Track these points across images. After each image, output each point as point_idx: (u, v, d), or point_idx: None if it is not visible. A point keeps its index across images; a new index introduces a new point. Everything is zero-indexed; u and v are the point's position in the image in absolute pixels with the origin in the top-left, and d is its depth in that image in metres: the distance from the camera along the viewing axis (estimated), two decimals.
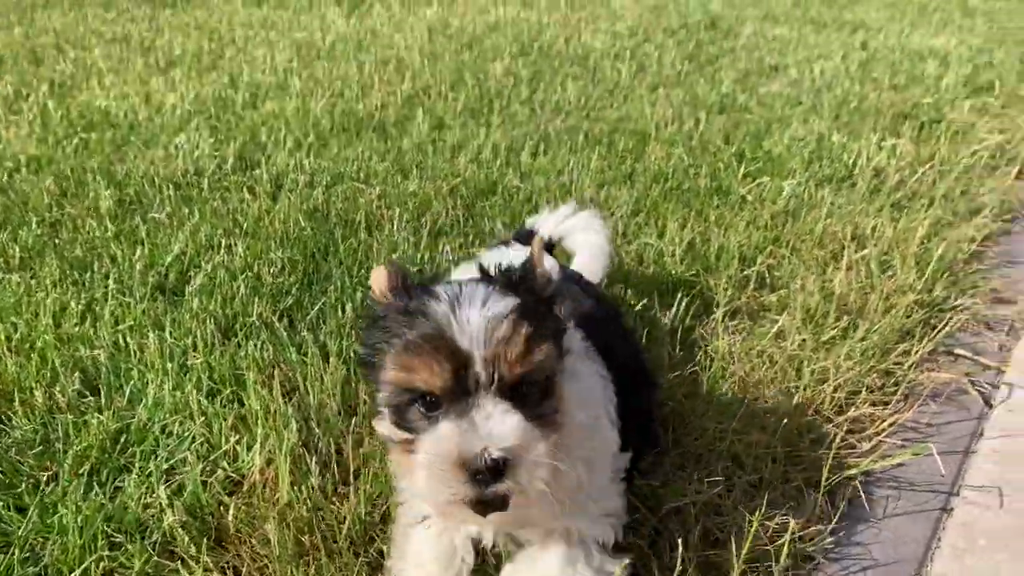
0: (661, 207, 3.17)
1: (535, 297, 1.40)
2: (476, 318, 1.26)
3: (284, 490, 1.69)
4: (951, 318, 2.63)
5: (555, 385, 1.36)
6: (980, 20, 7.75)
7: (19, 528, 1.58)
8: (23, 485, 1.70)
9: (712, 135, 4.08)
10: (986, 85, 5.33)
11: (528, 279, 1.44)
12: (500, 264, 1.49)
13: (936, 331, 2.53)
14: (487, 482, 1.22)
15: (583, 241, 2.48)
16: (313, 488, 1.71)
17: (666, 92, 4.81)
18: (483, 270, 1.48)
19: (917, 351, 2.41)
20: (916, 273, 2.78)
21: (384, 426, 1.44)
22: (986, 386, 2.41)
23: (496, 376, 1.25)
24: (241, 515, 1.65)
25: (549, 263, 2.19)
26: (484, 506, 1.28)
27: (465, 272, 1.73)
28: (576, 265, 2.40)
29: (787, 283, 2.71)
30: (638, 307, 2.49)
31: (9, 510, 1.64)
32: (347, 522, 1.64)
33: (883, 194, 3.46)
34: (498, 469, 1.21)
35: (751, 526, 1.68)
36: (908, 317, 2.56)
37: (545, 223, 2.51)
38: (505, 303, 1.30)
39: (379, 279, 1.43)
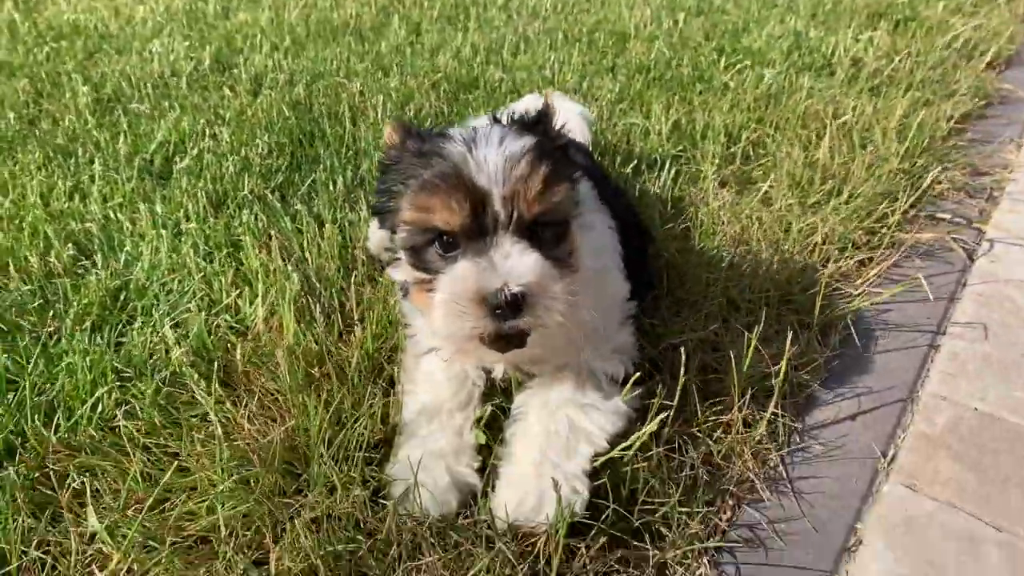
0: (645, 95, 3.17)
1: (551, 140, 1.42)
2: (494, 156, 1.27)
3: (290, 332, 1.70)
4: (931, 185, 2.68)
5: (570, 230, 1.39)
6: None
7: (26, 375, 1.58)
8: (26, 339, 1.70)
9: (692, 33, 4.07)
10: None
11: (544, 123, 1.45)
12: (513, 112, 1.50)
13: (918, 191, 2.57)
14: (506, 317, 1.25)
15: (566, 109, 2.48)
16: (318, 332, 1.73)
17: None
18: (495, 118, 1.48)
19: (901, 210, 2.45)
20: (897, 145, 2.82)
21: (401, 271, 1.47)
22: (968, 243, 2.46)
23: (515, 215, 1.27)
24: (248, 354, 1.66)
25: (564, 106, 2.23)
26: (503, 342, 1.31)
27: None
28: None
29: (773, 155, 2.73)
30: (627, 172, 2.51)
31: (16, 362, 1.64)
32: (355, 357, 1.65)
33: (861, 80, 3.48)
34: (517, 304, 1.24)
35: (748, 352, 1.73)
36: (891, 182, 2.60)
37: (521, 104, 2.52)
38: (523, 142, 1.30)
39: (391, 132, 1.45)
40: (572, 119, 2.46)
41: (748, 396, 1.69)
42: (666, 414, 1.51)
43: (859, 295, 2.11)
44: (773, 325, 1.97)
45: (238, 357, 1.65)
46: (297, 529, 1.29)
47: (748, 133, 2.84)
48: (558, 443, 1.44)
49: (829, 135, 2.80)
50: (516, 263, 1.25)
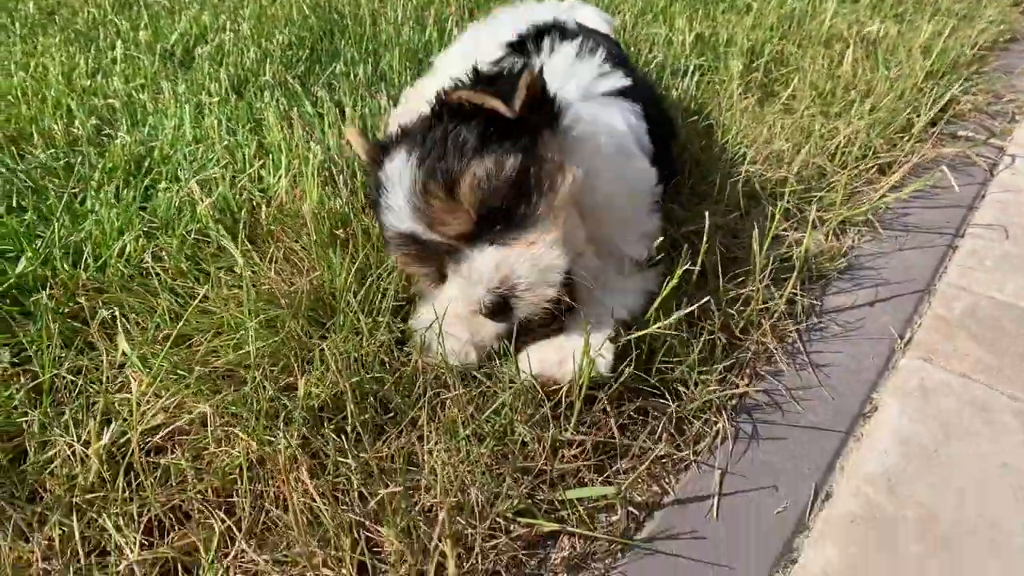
0: (668, 10, 3.13)
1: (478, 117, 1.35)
2: (402, 200, 1.31)
3: (313, 197, 1.71)
4: (953, 103, 2.66)
5: (530, 177, 1.34)
6: None
7: (55, 219, 1.59)
8: (50, 199, 1.70)
9: None
10: None
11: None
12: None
13: (940, 106, 2.55)
14: (506, 318, 1.32)
15: (587, 13, 2.46)
16: (342, 198, 1.73)
17: None
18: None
19: (924, 122, 2.44)
20: (922, 62, 2.80)
21: None
22: (989, 157, 2.45)
23: (448, 236, 1.32)
24: (272, 214, 1.67)
25: (583, 13, 2.20)
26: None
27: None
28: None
29: (796, 68, 2.71)
30: (650, 76, 2.49)
31: (42, 216, 1.64)
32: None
33: (886, 7, 3.44)
34: (504, 305, 1.30)
35: (771, 229, 1.73)
36: (913, 97, 2.58)
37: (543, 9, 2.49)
38: (418, 169, 1.30)
39: (354, 142, 1.52)
40: (593, 22, 2.43)
41: (768, 273, 1.70)
42: (688, 268, 1.51)
43: (880, 196, 2.11)
44: (794, 217, 1.97)
45: (263, 218, 1.65)
46: (327, 361, 1.31)
47: (771, 47, 2.81)
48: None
49: (853, 51, 2.78)
50: (476, 267, 1.30)
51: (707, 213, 1.56)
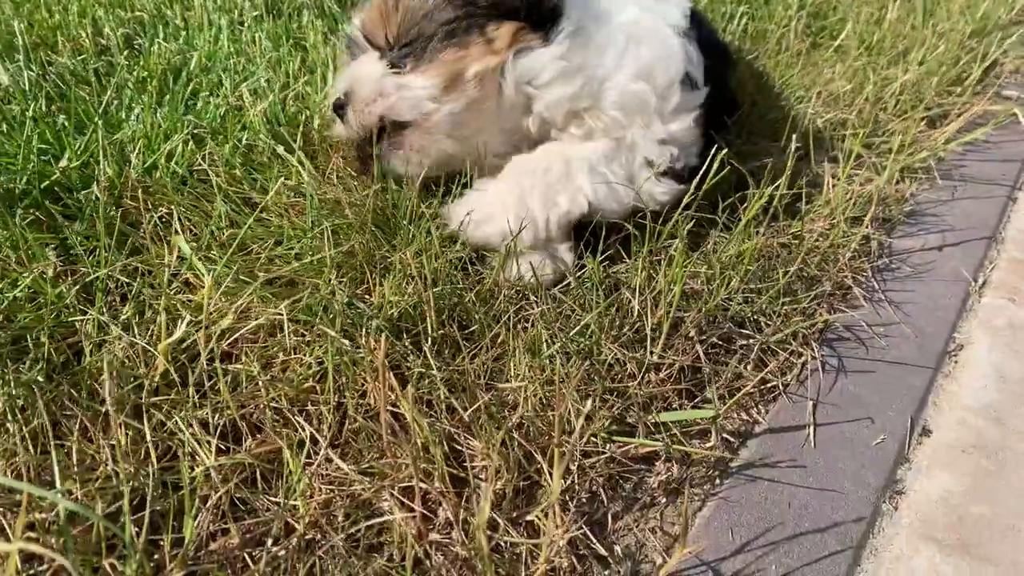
0: None
1: None
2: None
3: None
4: (998, 63, 2.61)
5: (453, 34, 1.39)
6: None
7: (95, 119, 1.47)
8: (81, 106, 1.58)
9: None
10: None
11: None
12: None
13: (989, 62, 2.49)
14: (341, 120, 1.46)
15: None
16: None
17: None
18: None
19: (974, 78, 2.38)
20: (964, 21, 2.74)
21: None
22: None
23: (369, 42, 1.46)
24: (325, 130, 1.57)
25: None
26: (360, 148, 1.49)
27: None
28: None
29: (843, 16, 2.64)
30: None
31: (75, 127, 1.51)
32: None
33: None
34: (337, 107, 1.45)
35: (844, 169, 1.67)
36: (960, 51, 2.52)
37: None
38: None
39: None
40: None
41: (839, 211, 1.64)
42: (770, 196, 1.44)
43: (943, 142, 2.05)
44: (859, 159, 1.91)
45: (315, 130, 1.55)
46: (405, 268, 1.22)
47: None
48: (543, 178, 1.38)
49: (897, 2, 2.71)
50: (352, 72, 1.46)
51: (793, 142, 1.48)
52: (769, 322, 1.38)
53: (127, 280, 1.18)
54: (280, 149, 1.45)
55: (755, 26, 2.50)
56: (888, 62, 2.41)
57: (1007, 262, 1.66)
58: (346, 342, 1.07)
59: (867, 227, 1.62)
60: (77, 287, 1.14)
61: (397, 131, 1.41)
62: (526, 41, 1.40)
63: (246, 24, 1.93)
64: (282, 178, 1.38)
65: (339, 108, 1.43)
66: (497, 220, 1.33)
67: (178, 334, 1.00)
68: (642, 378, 1.20)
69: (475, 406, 1.05)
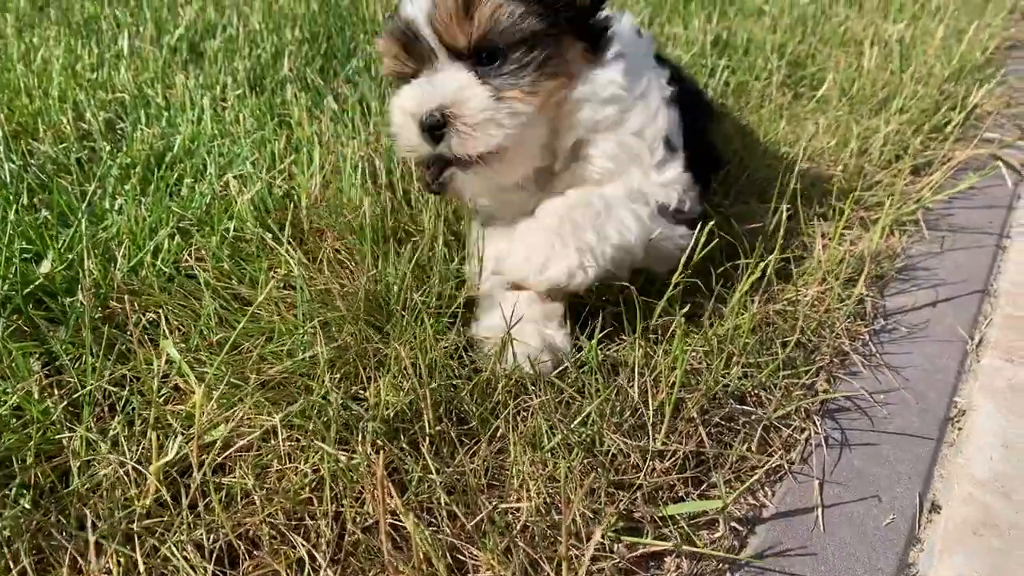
0: (681, 10, 3.08)
1: None
2: None
3: (353, 191, 1.59)
4: (977, 106, 2.64)
5: (539, 52, 1.33)
6: None
7: (79, 214, 1.44)
8: (64, 198, 1.55)
9: None
10: None
11: None
12: None
13: (967, 109, 2.52)
14: (436, 140, 1.30)
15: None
16: (385, 193, 1.62)
17: None
18: None
19: (955, 122, 2.40)
20: (944, 61, 2.78)
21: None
22: (1017, 161, 2.42)
23: (443, 42, 1.30)
24: (313, 207, 1.55)
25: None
26: (438, 174, 1.36)
27: None
28: None
29: (822, 67, 2.66)
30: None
31: (58, 219, 1.49)
32: (430, 215, 1.55)
33: (894, 9, 3.43)
34: (440, 127, 1.29)
35: (836, 231, 1.67)
36: (939, 98, 2.55)
37: None
38: None
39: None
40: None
41: (832, 275, 1.63)
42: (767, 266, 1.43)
43: (928, 194, 2.05)
44: (849, 217, 1.91)
45: (303, 214, 1.53)
46: (400, 365, 1.19)
47: (794, 46, 2.76)
48: (588, 211, 1.37)
49: (871, 53, 2.74)
50: (440, 83, 1.30)
51: (783, 209, 1.48)
52: (770, 396, 1.36)
53: (115, 390, 1.15)
54: (268, 238, 1.43)
55: (736, 79, 2.52)
56: (870, 111, 2.43)
57: (1002, 318, 1.65)
58: (343, 457, 1.04)
59: (861, 290, 1.62)
60: (64, 403, 1.10)
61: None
62: (588, 62, 1.41)
63: (229, 102, 1.92)
64: (272, 274, 1.36)
65: (436, 128, 1.29)
66: (559, 258, 1.31)
67: (170, 455, 0.97)
68: (647, 468, 1.17)
69: (478, 517, 1.02)
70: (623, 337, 1.40)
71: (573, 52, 1.39)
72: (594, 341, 1.30)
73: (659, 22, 2.94)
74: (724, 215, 1.78)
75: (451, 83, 1.29)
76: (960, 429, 1.38)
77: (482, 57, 1.31)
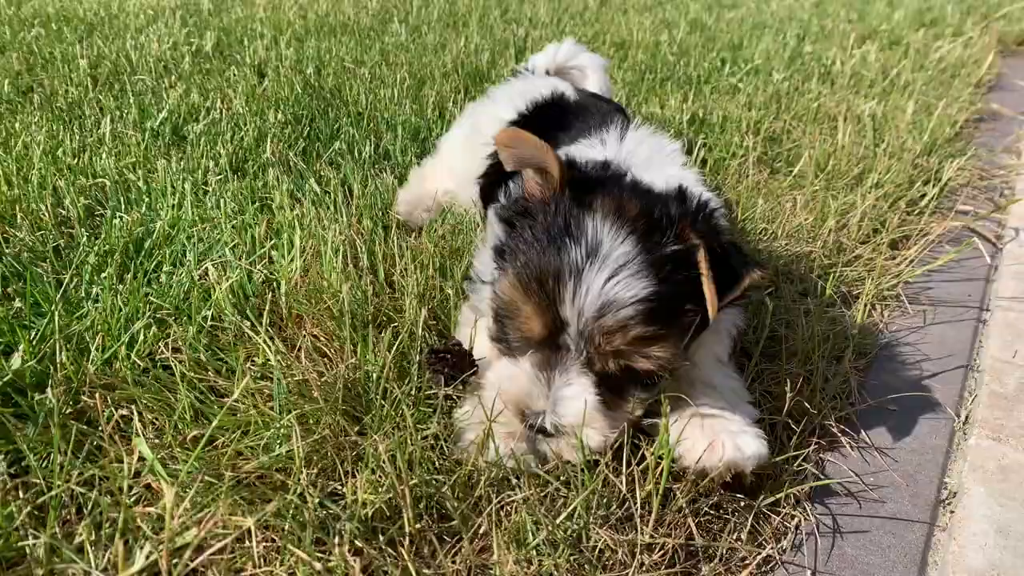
0: (658, 91, 3.14)
1: (681, 281, 1.19)
2: (594, 292, 1.15)
3: (333, 275, 1.58)
4: (951, 178, 2.69)
5: (658, 383, 1.26)
6: None
7: (51, 306, 1.42)
8: (38, 287, 1.53)
9: (690, 44, 4.09)
10: (931, 21, 5.53)
11: (684, 256, 1.20)
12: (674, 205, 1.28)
13: (941, 182, 2.57)
14: (535, 434, 1.23)
15: (587, 61, 2.45)
16: (366, 277, 1.61)
17: (636, 16, 4.81)
18: (682, 194, 1.32)
19: (931, 196, 2.45)
20: (915, 136, 2.84)
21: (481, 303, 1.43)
22: (991, 233, 2.46)
23: (586, 355, 1.20)
24: (293, 299, 1.53)
25: (563, 86, 2.16)
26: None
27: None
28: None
29: (796, 143, 2.72)
30: None
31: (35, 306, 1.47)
32: (411, 299, 1.54)
33: (865, 86, 3.52)
34: (547, 432, 1.21)
35: (812, 319, 1.67)
36: (913, 172, 2.60)
37: (545, 56, 2.47)
38: (633, 290, 1.15)
39: (554, 170, 1.27)
40: (591, 69, 2.42)
41: (817, 355, 1.63)
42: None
43: (902, 271, 2.07)
44: (830, 296, 1.91)
45: (282, 302, 1.52)
46: (377, 460, 1.16)
47: (769, 123, 2.82)
48: (720, 404, 1.32)
49: (844, 129, 2.80)
50: (568, 399, 1.20)
51: (766, 298, 1.48)
52: (759, 483, 1.34)
53: (82, 491, 1.11)
54: (247, 326, 1.41)
55: (714, 156, 2.56)
56: (845, 186, 2.47)
57: (987, 395, 1.65)
58: (318, 565, 1.00)
59: (846, 369, 1.61)
60: (28, 507, 1.06)
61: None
62: None
63: (211, 187, 1.92)
64: (248, 364, 1.33)
65: (546, 432, 1.21)
66: (716, 444, 1.24)
67: (138, 565, 0.93)
68: (636, 563, 1.14)
69: None
70: None
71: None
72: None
73: (636, 102, 2.99)
74: None
75: (576, 403, 1.19)
76: (952, 512, 1.35)
77: (608, 376, 1.23)
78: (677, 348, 1.20)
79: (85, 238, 1.69)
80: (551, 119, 1.94)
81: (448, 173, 2.06)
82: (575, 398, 1.19)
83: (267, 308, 1.46)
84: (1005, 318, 1.96)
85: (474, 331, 1.41)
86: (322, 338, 1.48)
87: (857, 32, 4.74)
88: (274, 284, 1.58)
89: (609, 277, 1.15)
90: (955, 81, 3.96)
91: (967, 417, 1.61)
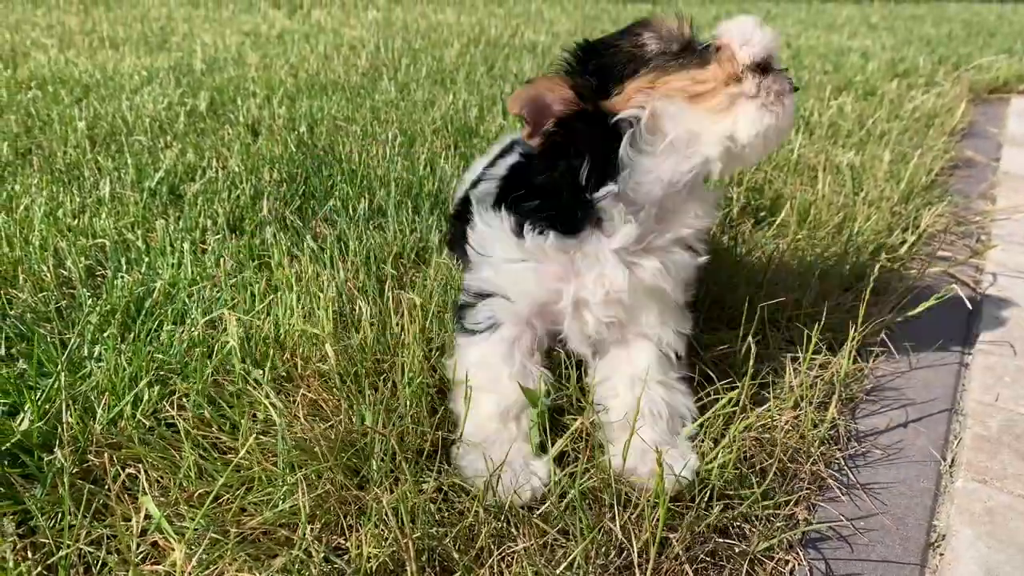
0: None
1: None
2: None
3: (330, 333, 1.62)
4: (929, 225, 2.77)
5: None
6: (885, 32, 8.31)
7: (57, 366, 1.45)
8: (43, 348, 1.56)
9: None
10: (904, 72, 5.71)
11: None
12: None
13: (919, 229, 2.65)
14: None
15: None
16: (364, 331, 1.64)
17: None
18: None
19: (910, 243, 2.52)
20: (892, 186, 2.93)
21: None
22: (969, 279, 2.53)
23: None
24: (292, 354, 1.57)
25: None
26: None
27: None
28: None
29: (778, 193, 2.80)
30: None
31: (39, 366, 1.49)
32: (409, 352, 1.57)
33: (842, 136, 3.63)
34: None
35: (806, 357, 1.72)
36: (892, 221, 2.68)
37: None
38: None
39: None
40: None
41: (806, 401, 1.67)
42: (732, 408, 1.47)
43: (885, 319, 2.13)
44: (815, 343, 1.96)
45: (284, 357, 1.55)
46: (381, 514, 1.19)
47: (751, 174, 2.91)
48: (661, 425, 1.47)
49: (827, 178, 2.89)
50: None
51: (750, 338, 1.53)
52: (752, 528, 1.37)
53: (91, 549, 1.13)
54: (250, 383, 1.44)
55: None
56: (827, 235, 2.54)
57: (971, 438, 1.69)
58: None
59: (833, 414, 1.66)
60: (39, 568, 1.08)
61: None
62: None
63: (209, 246, 1.97)
64: (251, 423, 1.36)
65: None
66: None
67: None
68: None
69: None
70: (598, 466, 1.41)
71: None
72: (577, 484, 1.30)
73: None
74: (697, 339, 1.83)
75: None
76: (942, 555, 1.39)
77: None
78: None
79: (87, 298, 1.73)
80: None
81: None
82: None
83: (268, 365, 1.50)
84: (986, 361, 2.01)
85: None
86: (322, 393, 1.51)
87: (833, 84, 4.89)
88: (274, 342, 1.61)
89: None
90: (930, 130, 4.09)
91: (953, 460, 1.65)
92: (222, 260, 1.88)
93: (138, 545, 1.15)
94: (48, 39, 4.71)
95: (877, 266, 2.36)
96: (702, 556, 1.29)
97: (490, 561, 1.18)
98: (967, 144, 4.18)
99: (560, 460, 1.42)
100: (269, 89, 3.77)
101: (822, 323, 1.94)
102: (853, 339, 1.84)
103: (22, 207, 2.12)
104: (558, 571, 1.17)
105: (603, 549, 1.23)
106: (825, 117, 3.96)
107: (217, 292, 1.76)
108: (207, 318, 1.61)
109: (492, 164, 1.99)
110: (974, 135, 4.45)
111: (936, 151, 3.60)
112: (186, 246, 1.93)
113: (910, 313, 2.08)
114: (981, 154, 4.00)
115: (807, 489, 1.51)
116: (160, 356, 1.49)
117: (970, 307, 2.19)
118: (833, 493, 1.51)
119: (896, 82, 5.17)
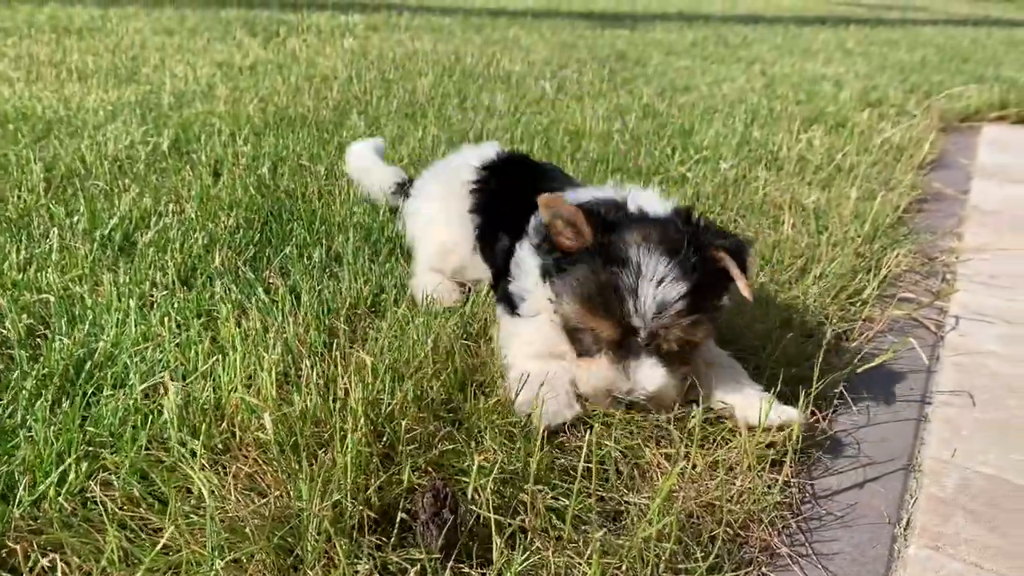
0: (601, 182, 3.22)
1: (710, 277, 1.68)
2: (650, 300, 1.60)
3: (271, 399, 1.58)
4: (891, 268, 2.76)
5: (698, 349, 1.79)
6: (859, 58, 8.38)
7: None
8: None
9: (642, 132, 4.22)
10: (876, 101, 5.76)
11: (707, 263, 1.67)
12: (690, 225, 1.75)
13: (883, 272, 2.65)
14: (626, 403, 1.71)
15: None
16: (305, 398, 1.60)
17: (591, 103, 4.95)
18: (683, 215, 1.78)
19: (873, 286, 2.51)
20: (857, 227, 2.93)
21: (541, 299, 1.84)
22: (933, 322, 2.52)
23: (654, 345, 1.65)
24: (230, 423, 1.53)
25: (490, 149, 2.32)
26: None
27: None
28: None
29: (741, 235, 2.78)
30: None
31: None
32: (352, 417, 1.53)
33: (810, 172, 3.64)
34: (637, 404, 1.71)
35: (761, 424, 1.69)
36: (856, 263, 2.68)
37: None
38: (678, 288, 1.60)
39: (581, 222, 1.68)
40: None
41: (762, 463, 1.65)
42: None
43: (848, 367, 2.11)
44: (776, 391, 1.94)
45: (222, 426, 1.51)
46: None
47: (717, 213, 2.90)
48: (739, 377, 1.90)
49: (792, 218, 2.89)
50: (646, 375, 1.67)
51: (699, 405, 1.50)
52: None
53: None
54: (185, 452, 1.40)
55: None
56: (789, 278, 2.53)
57: (926, 499, 1.67)
58: None
59: (787, 475, 1.63)
60: None
61: None
62: None
63: (156, 302, 1.92)
64: (185, 500, 1.32)
65: (631, 405, 1.76)
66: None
67: None
68: None
69: None
70: (544, 544, 1.37)
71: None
72: (518, 558, 1.27)
73: None
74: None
75: (654, 373, 1.67)
76: None
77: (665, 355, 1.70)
78: (713, 325, 1.74)
79: (25, 360, 1.68)
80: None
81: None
82: (652, 369, 1.66)
83: (202, 432, 1.46)
84: (944, 414, 2.00)
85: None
86: (257, 465, 1.46)
87: (804, 115, 4.92)
88: (213, 409, 1.57)
89: (657, 284, 1.59)
90: (899, 164, 4.10)
91: (908, 522, 1.62)
92: (167, 318, 1.84)
93: None
94: (15, 71, 4.65)
95: (837, 308, 2.36)
96: None
97: None
98: (937, 176, 4.20)
99: None
100: (236, 125, 3.74)
101: (781, 378, 1.92)
102: (809, 395, 1.82)
103: None
104: None
105: None
106: (794, 152, 3.97)
107: (159, 354, 1.71)
108: (145, 384, 1.57)
109: None
110: (944, 166, 4.47)
111: (904, 187, 3.61)
112: (132, 302, 1.88)
113: (870, 364, 2.07)
114: (951, 187, 4.02)
115: (756, 560, 1.48)
116: (92, 429, 1.44)
117: (928, 355, 2.18)
118: (784, 562, 1.48)
119: (867, 112, 5.21)
